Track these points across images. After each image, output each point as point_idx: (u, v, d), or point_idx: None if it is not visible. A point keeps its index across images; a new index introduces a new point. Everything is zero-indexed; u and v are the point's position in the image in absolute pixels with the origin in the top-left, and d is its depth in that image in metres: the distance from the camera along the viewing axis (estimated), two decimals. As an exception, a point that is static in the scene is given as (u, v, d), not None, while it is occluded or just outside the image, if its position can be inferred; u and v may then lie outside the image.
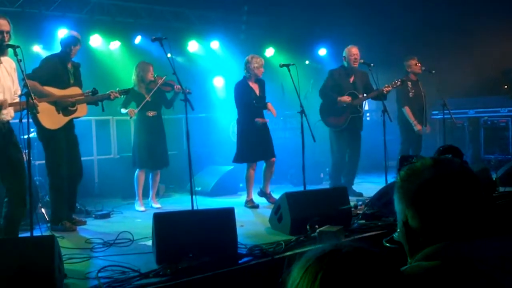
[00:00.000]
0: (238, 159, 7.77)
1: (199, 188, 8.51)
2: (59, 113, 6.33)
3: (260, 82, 7.75)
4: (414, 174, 1.54)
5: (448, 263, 1.36)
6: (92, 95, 6.51)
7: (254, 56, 7.72)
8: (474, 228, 1.47)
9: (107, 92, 6.72)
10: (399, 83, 8.27)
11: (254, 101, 7.61)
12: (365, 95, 8.34)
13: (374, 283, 1.03)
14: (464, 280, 1.33)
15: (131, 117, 7.55)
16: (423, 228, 1.49)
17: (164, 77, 7.59)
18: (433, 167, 1.53)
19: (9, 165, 5.20)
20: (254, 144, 7.60)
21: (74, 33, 6.70)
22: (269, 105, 7.70)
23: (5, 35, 5.05)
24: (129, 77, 7.81)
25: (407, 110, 8.84)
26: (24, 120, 4.89)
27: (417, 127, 8.81)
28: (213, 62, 11.23)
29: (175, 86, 7.49)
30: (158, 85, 7.54)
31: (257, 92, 7.69)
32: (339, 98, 8.10)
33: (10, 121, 5.32)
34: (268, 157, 7.75)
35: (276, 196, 7.01)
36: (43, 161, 6.61)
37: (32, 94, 4.96)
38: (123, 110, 7.53)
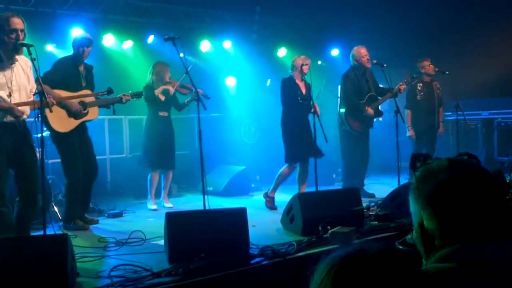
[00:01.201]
0: (290, 159, 7.53)
1: (211, 188, 8.51)
2: (70, 116, 6.35)
3: (306, 83, 7.63)
4: (430, 175, 1.53)
5: (465, 265, 1.34)
6: (108, 95, 6.53)
7: (300, 56, 7.65)
8: (490, 229, 1.45)
9: (119, 96, 6.72)
10: (410, 79, 8.29)
11: (299, 98, 7.50)
12: (379, 98, 8.32)
13: (398, 285, 1.02)
14: (481, 282, 1.32)
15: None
16: (439, 230, 1.48)
17: (179, 82, 7.60)
18: (449, 168, 1.51)
19: (22, 164, 5.23)
20: (303, 142, 7.43)
21: (86, 34, 6.72)
22: (315, 105, 7.42)
23: (19, 33, 5.08)
24: (141, 77, 7.83)
25: (408, 113, 8.87)
26: (38, 119, 4.93)
27: (410, 132, 8.82)
28: (225, 62, 11.23)
29: (194, 90, 7.51)
30: (176, 86, 7.57)
31: (303, 90, 7.58)
32: (366, 109, 8.07)
33: (26, 120, 5.35)
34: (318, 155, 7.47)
35: (287, 197, 6.97)
36: (56, 160, 6.64)
37: (46, 94, 5.00)
38: (157, 92, 7.49)
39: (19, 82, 5.18)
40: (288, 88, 7.52)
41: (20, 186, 5.29)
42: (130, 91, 6.92)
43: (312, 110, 7.44)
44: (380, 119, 11.51)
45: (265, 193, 7.63)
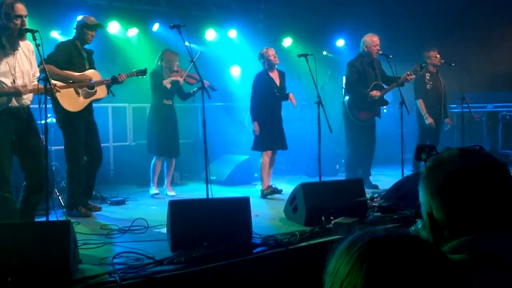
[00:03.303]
0: (256, 147, 7.78)
1: (214, 177, 8.48)
2: (79, 95, 6.34)
3: (280, 73, 7.74)
4: (440, 165, 1.50)
5: (476, 257, 1.32)
6: (113, 83, 6.53)
7: (267, 47, 7.77)
8: (501, 221, 1.43)
9: (116, 76, 6.63)
10: (418, 69, 8.20)
11: (275, 91, 7.62)
12: (385, 86, 8.25)
13: (421, 271, 1.00)
14: (492, 274, 1.30)
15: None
16: (449, 220, 1.45)
17: (188, 70, 7.60)
18: (460, 158, 1.49)
19: (28, 150, 5.24)
20: (271, 132, 7.63)
21: (89, 17, 6.68)
22: (291, 95, 7.70)
23: (24, 19, 5.07)
24: (146, 64, 7.79)
25: (420, 103, 8.83)
26: (42, 105, 4.92)
27: (429, 120, 8.76)
28: (231, 51, 11.18)
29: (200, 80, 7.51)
30: (184, 76, 7.57)
31: (277, 82, 7.69)
32: (370, 93, 8.01)
33: (30, 106, 5.34)
34: (284, 147, 7.78)
35: (290, 187, 6.97)
36: (60, 147, 6.64)
37: (50, 79, 4.99)
38: (166, 82, 7.52)
39: (22, 68, 5.17)
40: (262, 84, 7.65)
41: (26, 171, 5.29)
42: (135, 69, 6.90)
43: (289, 100, 7.59)
44: (385, 110, 11.48)
45: (261, 192, 7.66)
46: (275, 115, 7.76)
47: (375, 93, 8.02)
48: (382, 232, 1.06)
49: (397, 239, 1.03)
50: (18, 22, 5.03)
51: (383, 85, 8.19)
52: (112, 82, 6.56)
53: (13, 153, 5.21)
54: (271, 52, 7.68)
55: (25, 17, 5.10)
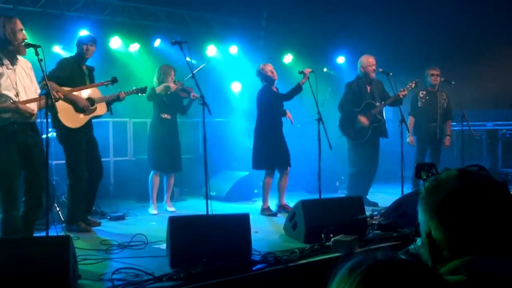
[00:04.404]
0: (258, 165, 7.69)
1: (214, 193, 8.49)
2: (77, 112, 6.36)
3: (277, 90, 7.74)
4: (439, 185, 1.51)
5: (474, 279, 1.33)
6: (112, 84, 6.57)
7: (264, 63, 7.75)
8: (500, 243, 1.44)
9: (116, 93, 6.72)
10: (413, 85, 8.23)
11: (277, 106, 7.65)
12: (382, 102, 8.26)
13: None
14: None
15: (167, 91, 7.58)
16: (447, 241, 1.46)
17: (182, 83, 7.64)
18: (459, 178, 1.50)
19: (32, 166, 5.22)
20: (275, 150, 7.57)
21: (89, 33, 6.76)
22: (288, 113, 7.69)
23: (24, 32, 5.13)
24: (148, 80, 7.84)
25: (410, 120, 8.84)
26: (43, 120, 4.94)
27: (409, 138, 8.78)
28: (231, 67, 11.24)
29: (191, 94, 7.56)
30: (174, 89, 7.58)
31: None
32: (359, 118, 8.04)
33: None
34: (286, 165, 7.70)
35: (291, 203, 6.97)
36: (60, 161, 6.64)
37: (52, 93, 5.02)
38: (158, 89, 7.55)
39: (23, 83, 5.20)
40: (268, 98, 7.59)
41: (27, 187, 5.29)
42: (134, 87, 6.93)
43: (287, 119, 7.63)
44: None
45: (261, 209, 7.62)
46: (279, 131, 7.69)
47: (363, 120, 8.05)
48: (383, 256, 1.08)
49: (398, 264, 1.05)
50: (20, 36, 5.09)
51: (375, 103, 8.16)
52: (112, 83, 6.61)
53: (22, 169, 5.22)
54: (268, 67, 7.64)
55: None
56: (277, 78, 7.70)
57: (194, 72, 6.44)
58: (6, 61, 5.11)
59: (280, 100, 7.67)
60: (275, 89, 7.70)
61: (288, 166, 7.71)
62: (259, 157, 7.62)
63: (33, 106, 5.23)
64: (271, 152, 7.55)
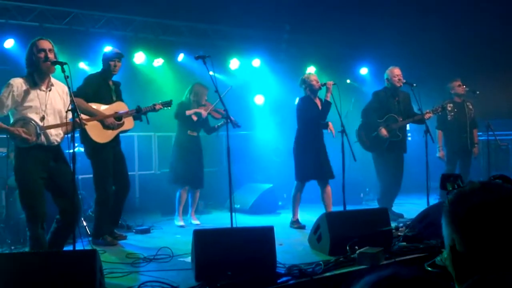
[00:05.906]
0: (301, 177, 7.57)
1: (238, 206, 8.51)
2: (106, 129, 6.44)
3: (320, 100, 7.63)
4: (462, 198, 1.50)
5: None
6: (137, 113, 6.63)
7: (309, 73, 7.70)
8: None
9: (150, 105, 6.80)
10: (440, 109, 8.18)
11: (319, 117, 7.56)
12: (405, 119, 8.20)
13: None
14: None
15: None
16: (471, 255, 1.45)
17: (214, 105, 7.70)
18: (482, 192, 1.49)
19: (62, 183, 5.23)
20: (313, 163, 7.47)
21: (115, 49, 6.84)
22: (330, 124, 7.59)
23: (48, 52, 5.14)
24: (172, 94, 7.90)
25: (439, 134, 8.78)
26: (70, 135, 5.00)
27: (440, 153, 8.72)
28: (254, 80, 11.28)
29: (225, 116, 7.60)
30: (209, 110, 7.67)
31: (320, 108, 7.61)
32: (380, 130, 8.01)
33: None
34: (326, 177, 7.56)
35: (314, 216, 6.93)
36: (87, 176, 6.71)
37: (78, 111, 5.07)
38: (188, 112, 7.64)
39: (54, 106, 5.25)
40: (308, 107, 7.52)
41: (61, 206, 5.27)
42: (160, 101, 6.99)
43: (329, 131, 7.49)
44: (409, 138, 11.41)
45: (291, 222, 7.57)
46: (320, 142, 7.57)
47: (383, 132, 8.00)
48: (406, 271, 1.08)
49: (420, 279, 1.05)
50: (42, 55, 5.15)
51: (398, 118, 8.11)
52: (136, 113, 6.65)
53: (47, 190, 5.24)
54: (313, 77, 7.58)
55: (50, 50, 5.18)
56: (320, 88, 7.54)
57: (221, 96, 6.50)
58: (40, 83, 5.20)
59: (322, 113, 7.58)
60: (318, 101, 7.61)
61: (329, 178, 7.57)
62: (299, 169, 7.53)
63: (59, 130, 5.29)
64: (307, 164, 7.47)
